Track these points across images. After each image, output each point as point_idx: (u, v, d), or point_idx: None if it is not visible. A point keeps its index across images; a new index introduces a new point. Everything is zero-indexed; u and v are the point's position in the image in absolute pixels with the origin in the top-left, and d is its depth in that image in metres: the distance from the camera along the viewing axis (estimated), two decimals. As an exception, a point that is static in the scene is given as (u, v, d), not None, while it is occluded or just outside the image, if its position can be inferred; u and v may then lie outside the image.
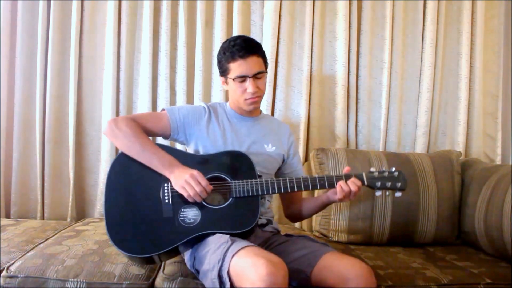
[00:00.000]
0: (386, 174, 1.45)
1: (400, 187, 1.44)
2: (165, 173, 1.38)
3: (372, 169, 1.47)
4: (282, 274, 1.12)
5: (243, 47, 1.46)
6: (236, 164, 1.44)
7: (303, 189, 1.43)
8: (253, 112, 1.59)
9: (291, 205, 1.66)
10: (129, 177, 1.43)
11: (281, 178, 1.43)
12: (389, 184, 1.44)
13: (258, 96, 1.51)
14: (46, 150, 2.13)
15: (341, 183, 1.41)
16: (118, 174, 1.43)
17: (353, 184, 1.40)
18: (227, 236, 1.27)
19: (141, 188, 1.41)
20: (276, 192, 1.42)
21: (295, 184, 1.42)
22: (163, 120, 1.52)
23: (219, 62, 1.53)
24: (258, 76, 1.49)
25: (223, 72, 1.52)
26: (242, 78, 1.47)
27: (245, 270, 1.12)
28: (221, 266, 1.17)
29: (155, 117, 1.55)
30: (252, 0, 2.21)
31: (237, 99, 1.53)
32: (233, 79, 1.48)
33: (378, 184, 1.44)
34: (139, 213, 1.38)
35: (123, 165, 1.44)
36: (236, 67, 1.47)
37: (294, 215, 1.68)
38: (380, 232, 1.90)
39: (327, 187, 1.44)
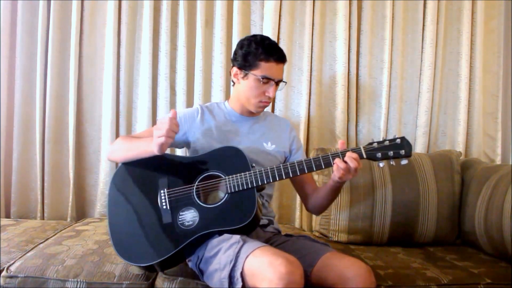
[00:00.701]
0: (387, 143, 1.35)
1: (405, 154, 1.33)
2: (148, 149, 1.36)
3: (373, 140, 1.38)
4: (300, 273, 1.12)
5: (279, 52, 1.48)
6: (229, 159, 1.42)
7: (298, 173, 1.36)
8: (254, 113, 1.58)
9: (308, 197, 1.62)
10: (128, 191, 1.44)
11: (275, 166, 1.37)
12: (391, 153, 1.34)
13: (270, 101, 1.53)
14: (46, 150, 2.13)
15: (336, 160, 1.32)
16: (118, 189, 1.45)
17: (350, 159, 1.31)
18: (238, 236, 1.26)
19: (140, 198, 1.42)
20: (271, 180, 1.36)
21: (289, 169, 1.36)
22: None
23: (246, 54, 1.47)
24: (278, 83, 1.51)
25: (248, 66, 1.48)
26: (267, 80, 1.47)
27: (262, 269, 1.12)
28: (234, 266, 1.17)
29: (149, 131, 1.57)
30: (252, 0, 2.21)
31: (249, 98, 1.51)
32: (259, 78, 1.46)
33: (379, 155, 1.34)
34: (141, 224, 1.39)
35: (122, 179, 1.46)
36: (267, 67, 1.46)
37: (314, 207, 1.62)
38: (380, 232, 1.90)
39: (323, 167, 1.35)
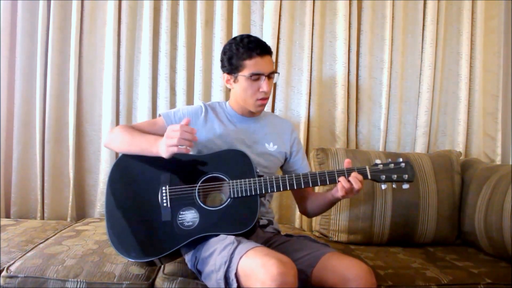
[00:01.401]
0: (391, 166, 1.38)
1: (408, 179, 1.37)
2: (153, 150, 1.36)
3: (377, 161, 1.40)
4: (292, 274, 1.12)
5: (260, 45, 1.45)
6: (234, 163, 1.41)
7: (302, 186, 1.38)
8: (254, 113, 1.56)
9: (304, 201, 1.62)
10: (128, 183, 1.44)
11: (280, 176, 1.39)
12: (395, 176, 1.37)
13: (267, 97, 1.50)
14: (46, 150, 2.13)
15: (342, 180, 1.35)
16: (117, 181, 1.44)
17: (355, 180, 1.34)
18: (232, 237, 1.26)
19: (140, 193, 1.41)
20: (275, 190, 1.38)
21: (294, 181, 1.37)
22: (158, 125, 1.53)
23: (230, 58, 1.47)
24: (271, 76, 1.48)
25: (234, 69, 1.47)
26: (257, 76, 1.45)
27: (254, 270, 1.12)
28: (228, 267, 1.17)
29: (151, 124, 1.56)
30: (252, 0, 2.21)
31: (246, 99, 1.49)
32: (248, 77, 1.45)
33: (383, 177, 1.37)
34: (139, 219, 1.38)
35: (122, 171, 1.45)
36: (253, 64, 1.44)
37: (307, 212, 1.64)
38: (380, 232, 1.89)
39: (328, 183, 1.37)
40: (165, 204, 1.38)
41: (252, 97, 1.48)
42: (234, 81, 1.50)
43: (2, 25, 2.08)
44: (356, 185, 1.34)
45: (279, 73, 1.54)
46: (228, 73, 1.50)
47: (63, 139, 2.16)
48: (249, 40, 1.45)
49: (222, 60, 1.51)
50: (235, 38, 1.50)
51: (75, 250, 1.52)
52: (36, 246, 1.58)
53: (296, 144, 1.65)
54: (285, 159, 1.63)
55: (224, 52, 1.50)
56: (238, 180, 1.36)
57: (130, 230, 1.37)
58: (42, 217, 2.15)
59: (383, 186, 1.38)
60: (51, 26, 2.11)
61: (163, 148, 1.32)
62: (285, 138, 1.63)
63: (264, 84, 1.45)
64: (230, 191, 1.36)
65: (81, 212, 2.21)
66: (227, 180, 1.38)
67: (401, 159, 1.39)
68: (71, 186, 2.13)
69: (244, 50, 1.43)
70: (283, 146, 1.60)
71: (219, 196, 1.40)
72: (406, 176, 1.37)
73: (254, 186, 1.36)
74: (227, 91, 2.20)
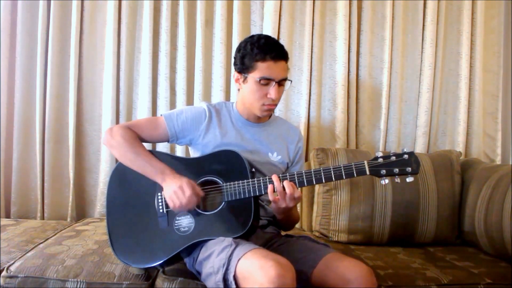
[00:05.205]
0: (393, 158, 1.28)
1: (412, 171, 1.26)
2: (158, 180, 1.38)
3: (378, 154, 1.30)
4: (291, 276, 1.12)
5: (276, 49, 1.39)
6: (227, 164, 1.38)
7: (305, 184, 1.34)
8: (261, 118, 1.52)
9: None
10: (127, 189, 1.45)
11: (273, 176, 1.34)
12: (396, 170, 1.27)
13: (275, 104, 1.45)
14: (46, 150, 2.13)
15: (273, 200, 1.32)
16: (117, 188, 1.45)
17: (288, 189, 1.29)
18: (230, 238, 1.26)
19: (138, 200, 1.42)
20: (268, 191, 1.33)
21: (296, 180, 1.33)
22: (160, 128, 1.49)
23: (243, 57, 1.41)
24: (282, 82, 1.42)
25: (245, 68, 1.41)
26: (267, 81, 1.39)
27: (253, 272, 1.12)
28: (227, 269, 1.17)
29: (152, 125, 1.50)
30: (252, 0, 2.21)
31: (252, 102, 1.44)
32: (258, 80, 1.39)
33: (383, 172, 1.28)
34: (138, 227, 1.40)
35: (121, 177, 1.46)
36: (264, 68, 1.38)
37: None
38: (380, 232, 1.89)
39: (325, 181, 1.32)
40: (161, 211, 1.39)
41: (259, 101, 1.43)
42: (244, 81, 1.44)
43: (2, 25, 2.09)
44: (288, 193, 1.30)
45: (291, 80, 1.47)
46: (239, 72, 1.45)
47: (63, 139, 2.16)
48: (266, 42, 1.39)
49: (235, 58, 1.46)
50: (252, 36, 1.43)
51: (75, 250, 1.52)
52: (36, 246, 1.58)
53: (298, 155, 1.61)
54: (287, 167, 1.60)
55: (238, 50, 1.45)
56: (231, 183, 1.34)
57: (131, 238, 1.39)
58: (42, 217, 2.15)
59: (383, 181, 1.29)
60: (51, 26, 2.11)
61: (167, 195, 1.34)
62: (291, 147, 1.58)
63: (272, 90, 1.39)
64: (223, 195, 1.35)
65: (81, 212, 2.21)
66: (220, 183, 1.37)
67: (405, 150, 1.29)
68: (71, 186, 2.13)
69: (258, 51, 1.37)
70: (286, 156, 1.56)
71: (215, 200, 1.39)
72: (410, 168, 1.27)
73: (247, 188, 1.33)
74: (227, 91, 2.20)
